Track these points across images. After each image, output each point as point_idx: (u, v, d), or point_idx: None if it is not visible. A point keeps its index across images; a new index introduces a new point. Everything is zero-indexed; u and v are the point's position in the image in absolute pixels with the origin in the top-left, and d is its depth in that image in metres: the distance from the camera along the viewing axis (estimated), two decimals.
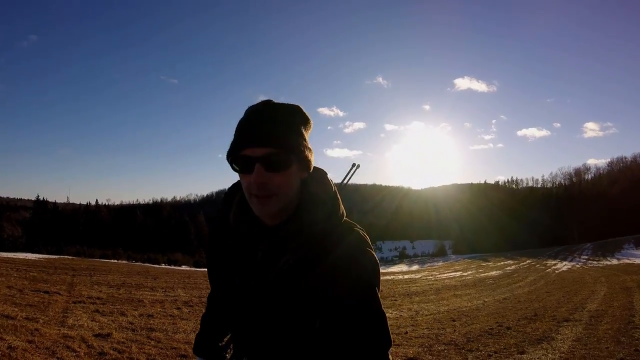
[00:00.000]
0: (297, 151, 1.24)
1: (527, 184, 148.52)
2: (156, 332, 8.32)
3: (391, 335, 1.25)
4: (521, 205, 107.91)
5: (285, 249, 1.27)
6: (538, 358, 7.16)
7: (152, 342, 7.36)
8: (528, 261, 47.43)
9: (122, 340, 7.33)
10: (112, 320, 9.06)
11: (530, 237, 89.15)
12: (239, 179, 1.32)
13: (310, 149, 1.30)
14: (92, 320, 8.77)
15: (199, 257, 60.52)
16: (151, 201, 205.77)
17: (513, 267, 40.78)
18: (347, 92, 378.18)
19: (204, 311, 1.68)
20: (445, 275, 33.96)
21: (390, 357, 1.24)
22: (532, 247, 78.29)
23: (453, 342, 8.56)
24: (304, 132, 1.30)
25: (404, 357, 7.33)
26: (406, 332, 9.53)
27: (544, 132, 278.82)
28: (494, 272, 34.88)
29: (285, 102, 1.31)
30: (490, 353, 7.62)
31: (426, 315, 12.58)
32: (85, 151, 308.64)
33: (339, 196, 1.38)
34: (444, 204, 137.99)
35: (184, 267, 43.67)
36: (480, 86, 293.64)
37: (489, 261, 51.63)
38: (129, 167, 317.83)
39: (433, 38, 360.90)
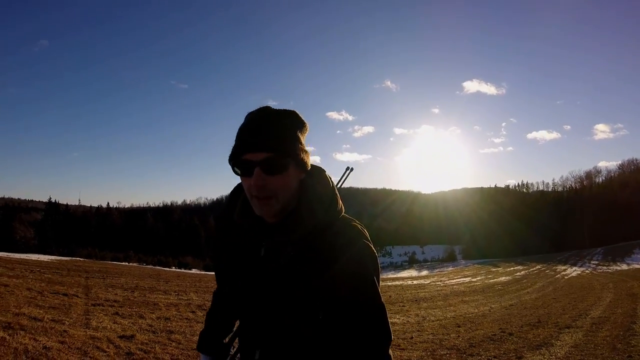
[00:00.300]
0: (293, 155, 1.30)
1: (537, 187, 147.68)
2: (175, 334, 8.64)
3: (394, 342, 1.38)
4: (532, 209, 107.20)
5: (287, 243, 1.34)
6: None
7: (173, 344, 7.71)
8: (538, 266, 47.34)
9: (146, 341, 7.68)
10: (132, 323, 9.36)
11: (541, 241, 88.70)
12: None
13: (306, 151, 1.37)
14: (113, 323, 9.08)
15: (209, 261, 60.74)
16: (161, 204, 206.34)
17: (522, 272, 40.75)
18: (355, 96, 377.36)
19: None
20: (454, 280, 34.00)
21: (390, 352, 1.31)
22: (542, 251, 78.21)
23: (455, 347, 8.89)
24: (300, 136, 1.36)
25: None
26: (411, 337, 9.83)
27: (554, 135, 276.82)
28: (503, 278, 34.92)
29: (282, 108, 1.38)
30: (490, 358, 7.97)
31: (432, 321, 12.82)
32: (96, 154, 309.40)
33: (337, 192, 1.45)
34: (454, 209, 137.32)
35: (194, 271, 44.02)
36: (489, 89, 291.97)
37: (498, 267, 51.59)
38: (139, 170, 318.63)
39: (441, 41, 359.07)
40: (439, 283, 31.52)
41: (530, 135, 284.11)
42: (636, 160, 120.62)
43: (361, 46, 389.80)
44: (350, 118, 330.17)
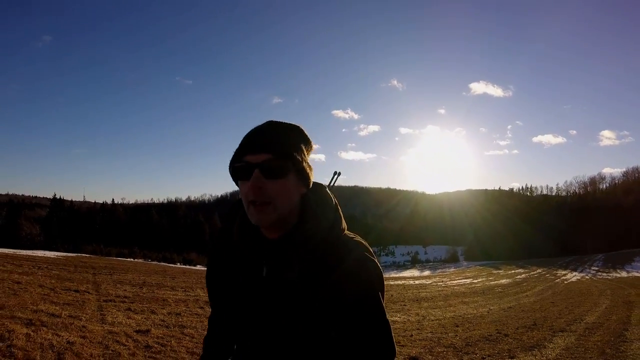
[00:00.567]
0: (295, 161, 1.28)
1: (541, 191, 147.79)
2: (187, 329, 8.97)
3: (395, 339, 1.32)
4: (535, 213, 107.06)
5: (290, 262, 1.29)
6: None
7: (187, 338, 8.05)
8: (539, 270, 47.58)
9: (161, 335, 8.06)
10: (145, 318, 9.68)
11: (543, 246, 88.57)
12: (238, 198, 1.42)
13: (310, 166, 1.35)
14: (127, 318, 9.38)
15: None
16: (166, 201, 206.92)
17: (523, 275, 41.02)
18: (361, 94, 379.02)
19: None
20: (456, 282, 34.34)
21: None
22: (544, 255, 78.13)
23: (452, 346, 9.31)
24: (304, 149, 1.34)
25: (406, 357, 8.07)
26: (411, 335, 10.23)
27: (559, 139, 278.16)
28: (504, 281, 35.17)
29: (287, 122, 1.37)
30: (484, 356, 8.39)
31: (432, 320, 13.17)
32: (101, 151, 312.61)
33: (339, 209, 1.41)
34: (458, 210, 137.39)
35: (199, 267, 44.28)
36: (496, 91, 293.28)
37: (500, 269, 51.87)
38: (143, 166, 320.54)
39: (448, 41, 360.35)
40: (441, 284, 31.88)
41: (535, 139, 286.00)
42: None
43: (368, 45, 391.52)
44: (355, 117, 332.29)
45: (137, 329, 8.36)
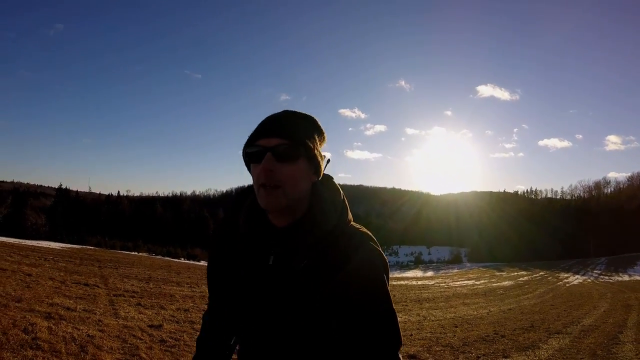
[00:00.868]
0: (306, 147, 1.29)
1: (546, 195, 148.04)
2: (197, 324, 9.18)
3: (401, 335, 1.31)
4: (539, 216, 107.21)
5: (299, 251, 1.29)
6: None
7: (198, 333, 8.26)
8: (541, 273, 47.95)
9: (173, 330, 8.34)
10: (155, 314, 9.90)
11: (547, 248, 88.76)
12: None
13: (322, 156, 1.36)
14: (139, 313, 9.61)
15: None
16: (170, 194, 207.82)
17: (526, 278, 41.29)
18: (369, 94, 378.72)
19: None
20: (458, 283, 34.66)
21: (400, 356, 1.30)
22: (547, 258, 78.36)
23: (450, 345, 9.65)
24: (316, 138, 1.35)
25: (405, 355, 8.33)
26: (411, 334, 10.52)
27: (565, 143, 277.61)
28: (506, 283, 35.47)
29: (302, 112, 1.39)
30: (479, 355, 8.73)
31: (432, 320, 13.44)
32: (107, 141, 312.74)
33: (346, 201, 1.41)
34: (462, 211, 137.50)
35: (202, 263, 44.44)
36: (503, 94, 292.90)
37: (503, 271, 52.19)
38: (149, 159, 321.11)
39: (457, 44, 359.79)
40: (443, 285, 32.15)
41: (541, 142, 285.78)
42: None
43: (376, 46, 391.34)
44: (362, 116, 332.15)
45: (149, 323, 8.63)
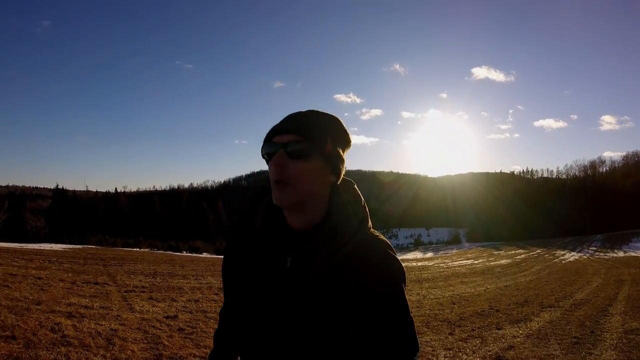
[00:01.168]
0: (320, 145, 1.25)
1: (542, 174, 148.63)
2: (209, 313, 9.64)
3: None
4: (536, 195, 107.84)
5: (317, 255, 1.25)
6: (510, 332, 8.83)
7: (211, 321, 8.72)
8: (538, 250, 48.36)
9: (188, 320, 8.73)
10: (168, 306, 10.23)
11: (543, 227, 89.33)
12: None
13: (341, 158, 1.32)
14: (153, 306, 9.92)
15: (219, 245, 61.11)
16: (168, 188, 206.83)
17: (523, 256, 41.80)
18: (364, 79, 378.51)
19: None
20: (457, 263, 35.10)
21: None
22: (544, 236, 78.67)
23: (447, 320, 10.25)
24: (337, 139, 1.31)
25: None
26: (411, 312, 11.16)
27: (560, 124, 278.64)
28: (504, 261, 35.96)
29: (327, 112, 1.36)
30: (474, 328, 9.31)
31: (431, 299, 13.96)
32: (100, 139, 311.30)
33: (366, 206, 1.38)
34: (460, 193, 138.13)
35: (205, 255, 44.75)
36: (498, 76, 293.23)
37: (500, 250, 52.67)
38: (144, 153, 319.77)
39: (451, 26, 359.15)
40: (442, 265, 32.63)
41: (537, 123, 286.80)
42: None
43: (370, 30, 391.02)
44: (358, 101, 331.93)
45: (165, 315, 9.03)
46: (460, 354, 7.17)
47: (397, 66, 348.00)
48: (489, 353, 7.16)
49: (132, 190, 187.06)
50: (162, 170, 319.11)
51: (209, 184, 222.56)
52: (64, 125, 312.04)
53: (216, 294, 12.72)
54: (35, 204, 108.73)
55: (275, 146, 1.26)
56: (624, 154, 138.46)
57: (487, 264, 33.58)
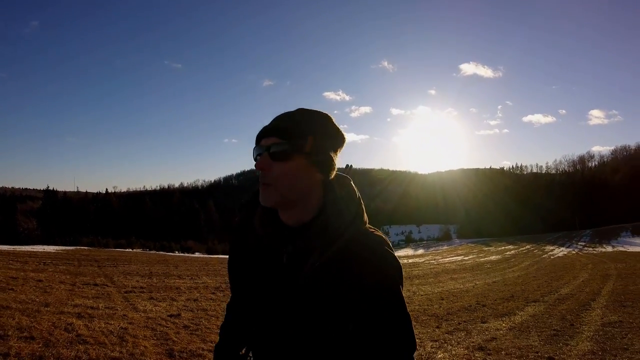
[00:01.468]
0: (300, 145, 1.26)
1: (531, 170, 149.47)
2: (209, 311, 10.02)
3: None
4: (525, 191, 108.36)
5: (311, 251, 1.26)
6: (494, 326, 9.34)
7: (213, 318, 9.12)
8: (528, 246, 48.98)
9: (191, 317, 9.12)
10: (169, 305, 10.56)
11: (533, 223, 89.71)
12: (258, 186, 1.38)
13: (328, 155, 1.31)
14: (155, 306, 10.24)
15: (211, 245, 61.32)
16: (159, 188, 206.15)
17: (513, 252, 42.33)
18: (352, 76, 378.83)
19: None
20: (447, 259, 35.54)
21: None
22: (534, 232, 79.21)
23: (435, 315, 10.77)
24: (322, 136, 1.31)
25: None
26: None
27: (549, 119, 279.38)
28: (494, 257, 36.47)
29: (317, 110, 1.36)
30: (460, 322, 9.82)
31: (421, 295, 14.41)
32: (89, 139, 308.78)
33: (362, 203, 1.38)
34: (450, 189, 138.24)
35: (197, 255, 44.90)
36: (486, 72, 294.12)
37: (490, 246, 53.30)
38: (134, 154, 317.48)
39: (438, 23, 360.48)
40: (433, 262, 33.10)
41: (525, 119, 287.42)
42: (629, 147, 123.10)
43: (358, 27, 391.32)
44: (347, 98, 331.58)
45: (168, 314, 9.37)
46: (445, 344, 7.69)
47: (386, 63, 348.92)
48: (472, 344, 7.69)
49: (123, 191, 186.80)
50: (152, 170, 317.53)
51: (199, 184, 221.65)
52: (52, 126, 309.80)
53: (213, 293, 13.03)
54: (25, 206, 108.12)
55: (261, 149, 1.30)
56: (612, 148, 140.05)
57: (477, 260, 34.02)
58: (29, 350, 5.70)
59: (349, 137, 1.34)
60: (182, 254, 44.38)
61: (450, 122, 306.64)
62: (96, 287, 12.64)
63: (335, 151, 1.34)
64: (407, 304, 1.27)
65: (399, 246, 75.95)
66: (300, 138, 1.27)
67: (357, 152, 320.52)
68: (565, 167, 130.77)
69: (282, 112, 1.36)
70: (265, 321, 1.35)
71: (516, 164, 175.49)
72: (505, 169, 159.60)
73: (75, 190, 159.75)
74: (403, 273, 1.31)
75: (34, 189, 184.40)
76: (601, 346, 7.44)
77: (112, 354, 5.93)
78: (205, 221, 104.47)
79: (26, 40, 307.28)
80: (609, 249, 43.27)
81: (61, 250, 31.22)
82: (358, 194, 1.39)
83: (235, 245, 1.49)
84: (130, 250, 45.09)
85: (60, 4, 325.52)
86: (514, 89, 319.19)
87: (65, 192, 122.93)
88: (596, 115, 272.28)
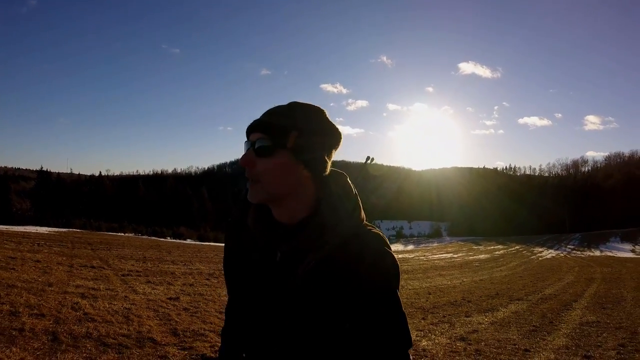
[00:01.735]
0: (283, 141, 1.22)
1: (525, 172, 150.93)
2: (206, 295, 10.31)
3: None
4: (518, 192, 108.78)
5: (305, 249, 1.23)
6: (476, 320, 9.81)
7: (210, 303, 9.41)
8: (517, 247, 49.35)
9: (189, 301, 9.44)
10: (166, 289, 10.80)
11: (524, 224, 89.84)
12: None
13: (315, 151, 1.26)
14: (153, 289, 10.48)
15: (203, 232, 61.54)
16: (152, 172, 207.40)
17: (501, 252, 42.75)
18: (351, 69, 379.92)
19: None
20: (437, 256, 35.90)
21: (411, 357, 1.25)
22: (525, 233, 79.75)
23: (422, 307, 11.25)
24: (309, 132, 1.25)
25: None
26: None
27: (545, 122, 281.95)
28: (483, 256, 36.90)
29: (310, 104, 1.31)
30: (445, 315, 10.28)
31: (409, 289, 14.80)
32: (84, 121, 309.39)
33: (359, 199, 1.35)
34: (443, 187, 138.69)
35: (189, 241, 45.13)
36: (484, 72, 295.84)
37: (480, 245, 53.76)
38: (128, 138, 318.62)
39: (439, 20, 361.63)
40: (422, 258, 33.39)
41: (521, 120, 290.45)
42: (622, 154, 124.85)
43: (359, 21, 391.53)
44: (344, 91, 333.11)
45: (167, 296, 9.67)
46: (430, 334, 8.16)
47: (384, 58, 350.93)
48: (454, 334, 8.17)
49: (116, 174, 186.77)
50: (145, 155, 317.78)
51: (192, 170, 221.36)
52: (46, 106, 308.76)
53: (207, 279, 13.34)
54: (18, 186, 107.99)
55: (248, 144, 1.28)
56: (606, 154, 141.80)
57: (465, 258, 34.49)
58: (42, 326, 6.02)
59: (344, 130, 1.30)
60: (174, 240, 44.62)
61: (446, 120, 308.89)
62: (93, 270, 12.88)
63: (326, 147, 1.29)
64: None
65: (389, 241, 76.03)
66: (284, 133, 1.23)
67: (352, 146, 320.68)
68: (559, 171, 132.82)
69: (278, 103, 1.31)
70: (259, 322, 1.33)
71: (510, 164, 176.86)
72: (499, 169, 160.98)
73: (69, 171, 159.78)
74: (400, 272, 1.29)
75: (26, 169, 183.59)
76: (576, 342, 7.90)
77: (120, 331, 6.30)
78: (197, 208, 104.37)
79: (23, 19, 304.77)
80: (597, 253, 43.87)
81: (54, 231, 31.49)
82: (355, 190, 1.36)
83: (230, 242, 1.47)
84: (123, 234, 45.44)
85: None
86: (512, 90, 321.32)
87: (58, 174, 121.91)
88: (592, 121, 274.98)
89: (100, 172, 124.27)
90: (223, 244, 1.52)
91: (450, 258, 33.93)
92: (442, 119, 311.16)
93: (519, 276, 21.46)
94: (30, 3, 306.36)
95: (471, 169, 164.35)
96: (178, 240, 44.76)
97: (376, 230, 1.31)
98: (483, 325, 9.21)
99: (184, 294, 10.45)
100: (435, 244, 60.05)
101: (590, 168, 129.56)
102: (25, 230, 27.99)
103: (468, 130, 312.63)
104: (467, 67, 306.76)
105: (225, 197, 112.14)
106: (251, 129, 1.26)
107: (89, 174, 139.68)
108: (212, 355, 5.69)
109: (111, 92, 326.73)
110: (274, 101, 1.50)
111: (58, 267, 12.54)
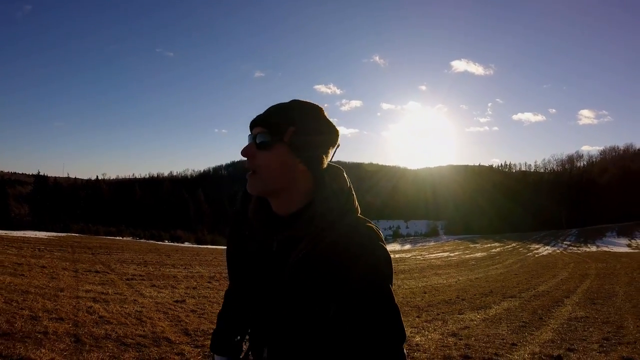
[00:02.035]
0: (280, 135, 1.28)
1: (520, 168, 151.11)
2: (210, 298, 10.66)
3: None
4: (513, 189, 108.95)
5: (299, 239, 1.27)
6: (469, 317, 10.21)
7: (215, 305, 9.64)
8: (513, 244, 49.73)
9: (195, 303, 9.78)
10: (171, 292, 11.11)
11: (520, 221, 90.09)
12: None
13: (311, 147, 1.31)
14: (158, 293, 10.80)
15: (201, 235, 62.00)
16: (148, 176, 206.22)
17: (498, 249, 43.19)
18: (344, 70, 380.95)
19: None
20: (434, 255, 36.30)
21: (404, 351, 1.24)
22: (521, 230, 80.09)
23: (417, 306, 11.63)
24: (306, 128, 1.30)
25: None
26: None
27: (539, 117, 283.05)
28: (479, 254, 37.28)
29: (309, 101, 1.37)
30: (439, 313, 10.67)
31: (405, 289, 15.20)
32: (80, 125, 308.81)
33: (353, 192, 1.38)
34: (439, 185, 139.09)
35: (187, 244, 45.50)
36: (477, 69, 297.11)
37: (477, 243, 54.10)
38: (123, 141, 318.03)
39: (431, 19, 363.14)
40: (419, 257, 33.75)
41: (515, 117, 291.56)
42: (617, 147, 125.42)
43: (351, 21, 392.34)
44: (338, 92, 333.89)
45: (174, 300, 10.00)
46: (423, 331, 8.59)
47: (377, 58, 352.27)
48: (447, 331, 8.60)
49: (112, 178, 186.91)
50: (141, 158, 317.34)
51: (188, 173, 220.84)
52: (41, 110, 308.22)
53: (209, 282, 13.66)
54: (15, 190, 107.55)
55: (250, 138, 1.33)
56: (601, 148, 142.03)
57: (462, 257, 34.84)
58: (63, 329, 6.35)
59: (339, 130, 1.37)
60: (172, 243, 45.08)
61: (440, 118, 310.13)
62: (98, 274, 13.14)
63: (322, 143, 1.34)
64: None
65: (386, 241, 75.63)
66: (281, 128, 1.28)
67: (347, 146, 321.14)
68: (554, 166, 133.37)
69: (272, 103, 1.36)
70: (256, 307, 1.40)
71: (505, 161, 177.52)
72: (494, 166, 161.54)
73: (66, 176, 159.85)
74: (392, 265, 1.29)
75: (23, 174, 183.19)
76: (562, 337, 8.32)
77: (136, 332, 6.69)
78: (194, 211, 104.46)
79: (19, 23, 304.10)
80: (593, 248, 44.35)
81: (53, 236, 31.56)
82: (349, 184, 1.39)
83: (232, 232, 1.51)
84: (121, 238, 45.66)
85: None
86: (505, 86, 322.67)
87: (55, 178, 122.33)
88: (586, 115, 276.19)
89: (97, 176, 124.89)
90: (221, 247, 1.86)
91: (447, 257, 34.29)
92: (436, 117, 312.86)
93: (514, 274, 21.83)
94: (25, 7, 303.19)
95: (467, 166, 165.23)
96: (176, 244, 45.15)
97: (370, 223, 1.33)
98: (475, 322, 9.61)
99: (189, 296, 10.77)
100: (432, 243, 60.49)
101: (585, 163, 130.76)
102: (24, 235, 28.08)
103: (462, 127, 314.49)
104: (460, 65, 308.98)
105: (222, 199, 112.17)
106: (254, 124, 1.33)
107: (85, 177, 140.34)
108: None
109: (105, 96, 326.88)
110: (269, 103, 1.36)
111: (64, 272, 12.78)
